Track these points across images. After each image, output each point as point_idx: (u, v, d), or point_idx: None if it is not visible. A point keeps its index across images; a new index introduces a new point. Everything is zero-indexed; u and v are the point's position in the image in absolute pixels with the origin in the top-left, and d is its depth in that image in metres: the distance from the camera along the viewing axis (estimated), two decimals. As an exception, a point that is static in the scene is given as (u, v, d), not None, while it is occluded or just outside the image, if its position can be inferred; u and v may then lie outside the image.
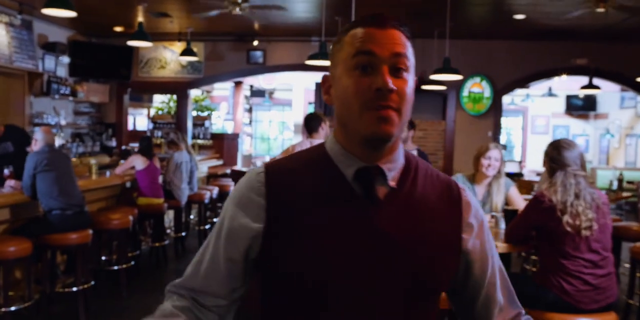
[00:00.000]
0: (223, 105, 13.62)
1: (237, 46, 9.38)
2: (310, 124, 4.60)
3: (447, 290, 1.15)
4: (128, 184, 6.48)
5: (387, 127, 1.00)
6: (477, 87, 8.91)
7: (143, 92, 11.04)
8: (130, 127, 11.25)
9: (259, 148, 16.25)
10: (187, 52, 8.54)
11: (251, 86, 13.96)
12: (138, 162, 6.20)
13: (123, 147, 9.24)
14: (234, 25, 8.58)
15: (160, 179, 6.61)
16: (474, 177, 4.05)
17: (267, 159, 15.48)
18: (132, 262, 5.46)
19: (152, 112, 12.26)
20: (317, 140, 4.56)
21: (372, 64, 1.02)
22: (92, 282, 4.73)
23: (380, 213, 1.04)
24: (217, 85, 15.30)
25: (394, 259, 1.02)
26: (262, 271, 1.09)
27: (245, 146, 13.58)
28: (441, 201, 1.11)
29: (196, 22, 8.42)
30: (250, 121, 14.82)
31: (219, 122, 13.76)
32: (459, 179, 4.10)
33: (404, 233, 1.04)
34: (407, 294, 1.04)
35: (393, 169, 1.08)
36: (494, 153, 3.92)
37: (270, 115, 16.55)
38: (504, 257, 3.24)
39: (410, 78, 1.04)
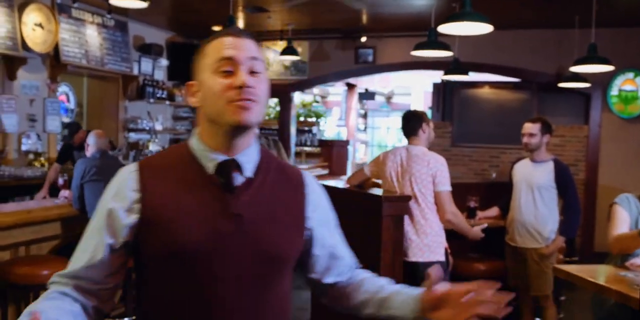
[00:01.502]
0: (335, 110, 12.82)
1: (344, 44, 8.52)
2: (408, 125, 3.58)
3: (295, 260, 1.33)
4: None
5: (248, 114, 1.21)
6: (630, 85, 7.33)
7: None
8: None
9: (375, 156, 15.26)
10: (288, 50, 7.82)
11: (366, 89, 13.01)
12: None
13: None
14: (340, 19, 7.74)
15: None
16: None
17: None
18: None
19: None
20: (418, 147, 3.53)
21: (233, 66, 1.23)
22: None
23: (236, 199, 1.25)
24: (332, 89, 14.61)
25: (247, 237, 1.23)
26: (139, 255, 1.26)
27: (359, 154, 12.71)
28: (289, 188, 1.34)
29: (297, 18, 7.68)
30: (366, 127, 13.92)
31: (331, 129, 12.99)
32: (630, 200, 2.87)
33: (255, 215, 1.25)
34: (260, 265, 1.24)
35: (249, 162, 1.28)
36: None
37: (388, 121, 15.53)
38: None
39: (264, 78, 1.26)
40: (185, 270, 1.20)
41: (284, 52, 7.85)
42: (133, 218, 1.22)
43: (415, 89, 12.45)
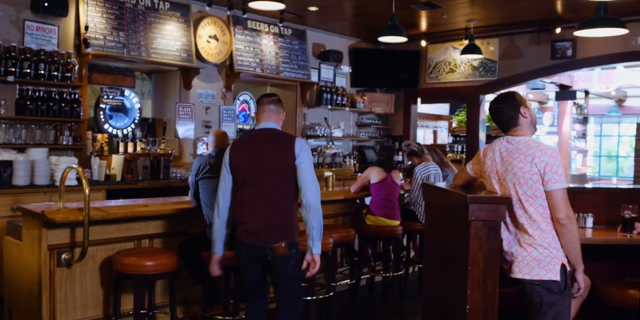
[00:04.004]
0: (546, 116, 11.54)
1: (538, 38, 7.61)
2: (503, 116, 2.84)
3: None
4: (367, 200, 5.56)
5: None
6: None
7: (430, 100, 10.02)
8: (429, 141, 10.35)
9: (603, 168, 13.39)
10: (469, 49, 7.24)
11: (560, 86, 11.12)
12: (373, 174, 5.28)
13: (409, 163, 8.36)
14: (530, 10, 6.93)
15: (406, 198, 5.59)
16: None
17: (614, 181, 12.62)
18: (331, 293, 4.47)
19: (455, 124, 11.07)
20: (519, 138, 2.82)
21: None
22: None
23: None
24: (551, 95, 13.24)
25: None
26: None
27: (576, 164, 11.29)
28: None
29: (478, 11, 7.05)
30: (585, 135, 12.30)
31: (544, 137, 11.73)
32: None
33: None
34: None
35: None
36: None
37: (619, 128, 13.53)
38: None
39: None
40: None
41: (465, 50, 7.29)
42: None
43: (649, 88, 10.63)
